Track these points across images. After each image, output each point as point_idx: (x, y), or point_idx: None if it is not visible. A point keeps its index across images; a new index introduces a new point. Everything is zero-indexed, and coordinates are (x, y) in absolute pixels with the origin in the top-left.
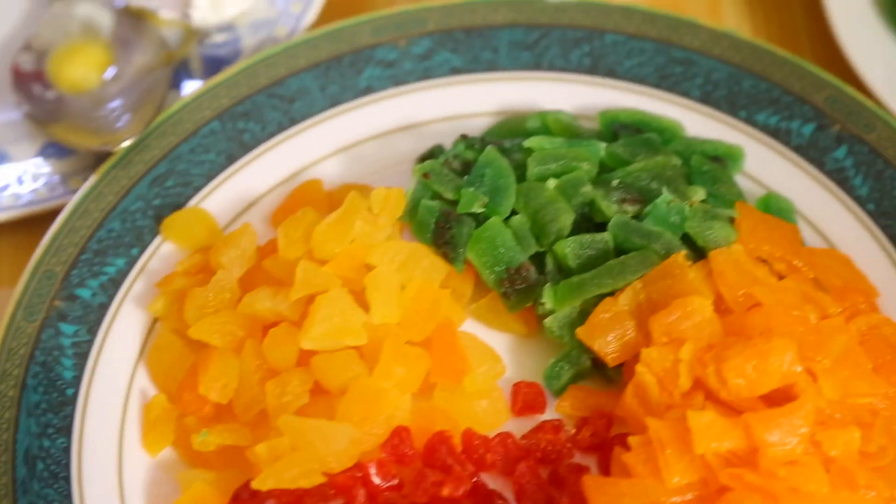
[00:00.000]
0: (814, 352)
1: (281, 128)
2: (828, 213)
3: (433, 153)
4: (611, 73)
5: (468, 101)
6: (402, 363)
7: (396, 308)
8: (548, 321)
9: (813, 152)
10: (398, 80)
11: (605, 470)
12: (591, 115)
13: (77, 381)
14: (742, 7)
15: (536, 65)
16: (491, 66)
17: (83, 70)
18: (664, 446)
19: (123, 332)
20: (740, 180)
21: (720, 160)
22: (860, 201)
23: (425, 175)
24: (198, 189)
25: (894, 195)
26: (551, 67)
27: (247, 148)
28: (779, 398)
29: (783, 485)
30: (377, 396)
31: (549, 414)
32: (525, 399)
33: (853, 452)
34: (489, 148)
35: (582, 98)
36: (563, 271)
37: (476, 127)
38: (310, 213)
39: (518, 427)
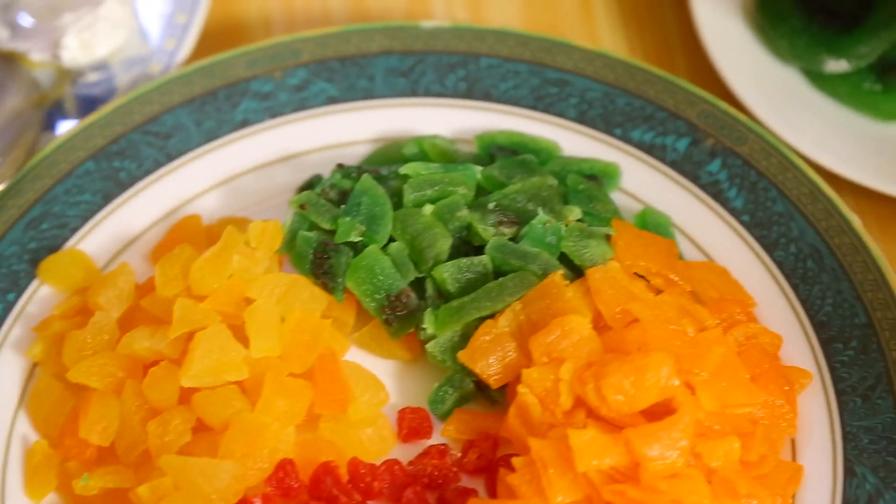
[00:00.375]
0: (691, 365)
1: (157, 165)
2: (704, 226)
3: (312, 183)
4: (487, 96)
5: (346, 130)
6: (283, 396)
7: (277, 341)
8: (429, 346)
9: (688, 166)
10: (274, 112)
11: (493, 492)
12: (469, 138)
13: None
14: (617, 26)
15: (413, 91)
16: (367, 94)
17: None
18: (547, 466)
19: (2, 379)
20: (618, 197)
21: (596, 178)
22: (735, 213)
23: (301, 206)
24: (74, 230)
25: (767, 206)
26: (427, 93)
27: (123, 186)
28: (659, 412)
29: (665, 498)
30: (259, 430)
31: (435, 439)
32: (410, 425)
33: (734, 462)
34: (365, 176)
35: (459, 122)
36: (444, 296)
37: (355, 155)
38: (187, 250)
39: (405, 453)
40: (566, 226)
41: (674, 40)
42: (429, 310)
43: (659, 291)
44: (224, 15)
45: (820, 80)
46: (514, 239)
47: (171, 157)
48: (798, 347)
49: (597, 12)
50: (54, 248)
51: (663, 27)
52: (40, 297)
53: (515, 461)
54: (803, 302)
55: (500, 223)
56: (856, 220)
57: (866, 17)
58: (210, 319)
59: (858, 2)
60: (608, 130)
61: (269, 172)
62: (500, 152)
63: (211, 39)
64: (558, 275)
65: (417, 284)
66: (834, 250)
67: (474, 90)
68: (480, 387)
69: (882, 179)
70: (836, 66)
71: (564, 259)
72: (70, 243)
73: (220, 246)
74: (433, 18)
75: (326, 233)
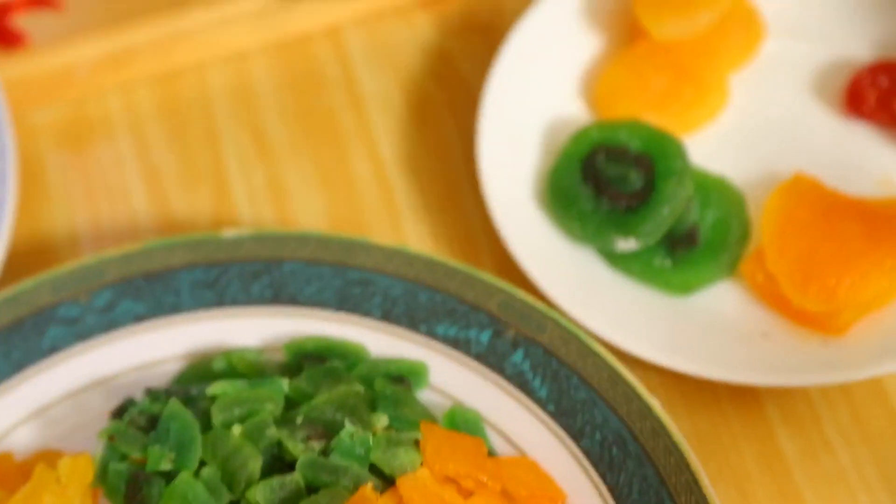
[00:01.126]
0: None
1: None
2: (513, 419)
3: (124, 408)
4: (293, 301)
5: (156, 349)
6: None
7: None
8: None
9: (493, 359)
10: (83, 336)
11: None
12: (279, 346)
13: None
14: (421, 216)
15: (219, 302)
16: (174, 309)
17: None
18: None
19: None
20: (429, 395)
21: (404, 380)
22: (541, 403)
23: (110, 437)
24: None
25: (571, 394)
26: (234, 303)
27: None
28: None
29: None
30: None
31: None
32: None
33: None
34: (172, 400)
35: (268, 330)
36: None
37: (167, 373)
38: None
39: None
40: (374, 435)
41: (476, 228)
42: None
43: (470, 493)
44: (30, 234)
45: (614, 260)
46: (325, 451)
47: None
48: None
49: (400, 203)
50: None
51: (465, 215)
52: None
53: None
54: (611, 490)
55: (309, 437)
56: (655, 404)
57: (649, 195)
58: None
59: (641, 181)
60: (413, 327)
61: (83, 399)
62: (307, 361)
63: (18, 261)
64: (368, 488)
65: None
66: (637, 435)
67: (280, 296)
68: None
69: (678, 357)
70: (626, 245)
71: (375, 469)
72: None
73: (29, 486)
74: (239, 220)
75: (138, 462)
